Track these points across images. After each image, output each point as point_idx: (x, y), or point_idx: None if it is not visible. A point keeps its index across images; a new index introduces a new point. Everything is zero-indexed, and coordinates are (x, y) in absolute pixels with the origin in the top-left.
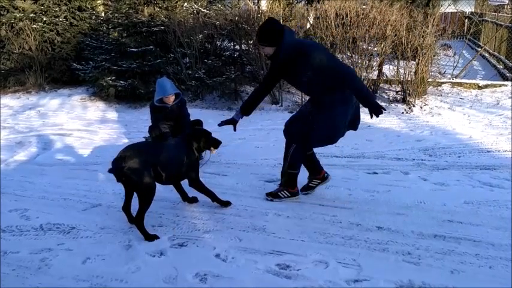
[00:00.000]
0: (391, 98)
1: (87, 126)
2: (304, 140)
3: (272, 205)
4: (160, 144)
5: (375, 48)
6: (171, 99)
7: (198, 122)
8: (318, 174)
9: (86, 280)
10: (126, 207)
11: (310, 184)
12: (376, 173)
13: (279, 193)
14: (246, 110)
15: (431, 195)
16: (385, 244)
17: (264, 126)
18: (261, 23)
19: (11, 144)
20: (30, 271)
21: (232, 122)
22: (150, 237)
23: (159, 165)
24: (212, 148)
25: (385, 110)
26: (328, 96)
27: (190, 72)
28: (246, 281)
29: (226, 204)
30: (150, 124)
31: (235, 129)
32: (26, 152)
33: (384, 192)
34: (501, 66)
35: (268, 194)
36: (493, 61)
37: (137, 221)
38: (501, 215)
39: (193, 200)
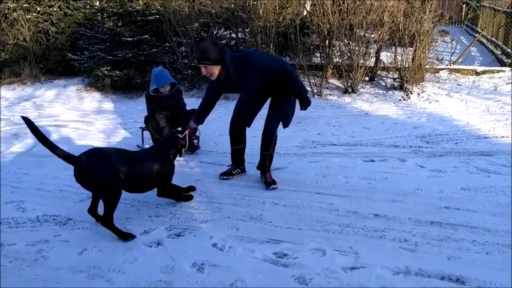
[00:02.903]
0: (388, 85)
1: (83, 117)
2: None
3: (269, 194)
4: (128, 153)
5: (372, 35)
6: (166, 89)
7: (194, 112)
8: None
9: (83, 271)
10: (92, 210)
11: (233, 171)
12: (373, 161)
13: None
14: (201, 119)
15: (428, 182)
16: (382, 231)
17: (260, 115)
18: (257, 10)
19: (7, 136)
20: (27, 263)
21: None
22: (125, 236)
23: (124, 174)
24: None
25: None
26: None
27: (186, 61)
28: (243, 270)
29: (189, 198)
30: (146, 114)
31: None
32: (22, 143)
33: (381, 180)
34: (499, 52)
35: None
36: (491, 47)
37: (106, 222)
38: (498, 201)
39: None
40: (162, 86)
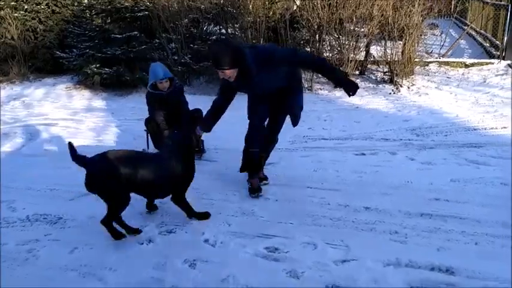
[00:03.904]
0: (378, 79)
1: (73, 115)
2: None
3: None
4: (142, 158)
5: (362, 29)
6: (165, 85)
7: (197, 112)
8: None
9: (74, 269)
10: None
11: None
12: (364, 154)
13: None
14: (209, 125)
15: (418, 174)
16: (372, 224)
17: None
18: (247, 5)
19: None
20: (17, 262)
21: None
22: (118, 236)
23: (136, 183)
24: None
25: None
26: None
27: (176, 57)
28: (235, 265)
29: (205, 216)
30: (147, 116)
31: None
32: (11, 143)
33: (372, 173)
34: (488, 44)
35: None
36: (480, 39)
37: (105, 223)
38: (487, 192)
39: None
40: (160, 82)
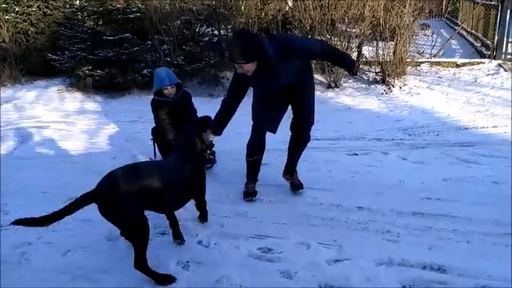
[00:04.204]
0: (370, 79)
1: (65, 117)
2: None
3: None
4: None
5: (354, 30)
6: (171, 91)
7: (206, 119)
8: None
9: (67, 272)
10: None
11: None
12: (357, 154)
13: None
14: (221, 126)
15: (410, 174)
16: (365, 224)
17: (244, 111)
18: (239, 7)
19: None
20: (11, 266)
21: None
22: (164, 280)
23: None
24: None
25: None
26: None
27: (168, 59)
28: (229, 266)
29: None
30: (154, 126)
31: None
32: (3, 146)
33: (364, 173)
34: (478, 44)
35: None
36: (471, 39)
37: (139, 265)
38: (478, 190)
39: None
40: (165, 88)
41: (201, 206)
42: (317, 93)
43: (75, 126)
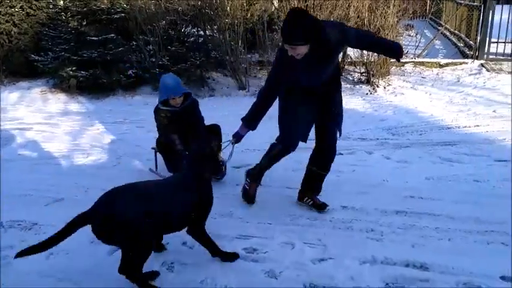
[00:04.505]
0: (355, 80)
1: (48, 119)
2: None
3: (239, 191)
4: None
5: None
6: (178, 101)
7: (215, 128)
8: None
9: (50, 275)
10: None
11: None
12: (341, 154)
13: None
14: (255, 120)
15: (394, 173)
16: (349, 222)
17: (231, 112)
18: (225, 7)
19: None
20: None
21: (237, 137)
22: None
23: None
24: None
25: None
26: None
27: (154, 59)
28: (213, 267)
29: (232, 257)
30: (158, 136)
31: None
32: None
33: (349, 173)
34: (461, 44)
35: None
36: (454, 39)
37: (132, 277)
38: (460, 188)
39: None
40: (173, 98)
41: (202, 236)
42: None
43: (58, 128)
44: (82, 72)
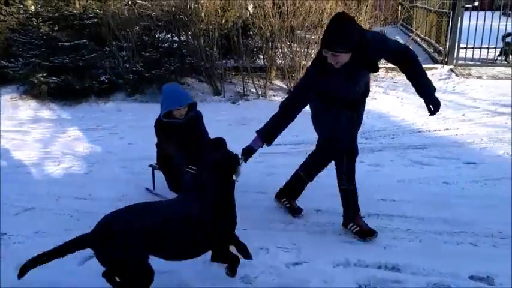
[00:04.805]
0: None
1: (19, 126)
2: None
3: None
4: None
5: (313, 37)
6: (182, 112)
7: (220, 141)
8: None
9: (21, 287)
10: None
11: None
12: None
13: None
14: (273, 134)
15: (367, 176)
16: (323, 226)
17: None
18: (199, 13)
19: None
20: None
21: (249, 152)
22: None
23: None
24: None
25: None
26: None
27: (127, 65)
28: (187, 274)
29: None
30: (158, 152)
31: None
32: None
33: (323, 177)
34: (432, 50)
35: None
36: (425, 45)
37: None
38: (431, 190)
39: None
40: (178, 108)
41: (225, 257)
42: (278, 98)
43: (29, 135)
44: (53, 78)
